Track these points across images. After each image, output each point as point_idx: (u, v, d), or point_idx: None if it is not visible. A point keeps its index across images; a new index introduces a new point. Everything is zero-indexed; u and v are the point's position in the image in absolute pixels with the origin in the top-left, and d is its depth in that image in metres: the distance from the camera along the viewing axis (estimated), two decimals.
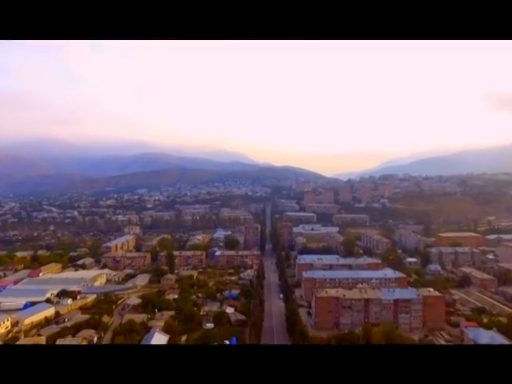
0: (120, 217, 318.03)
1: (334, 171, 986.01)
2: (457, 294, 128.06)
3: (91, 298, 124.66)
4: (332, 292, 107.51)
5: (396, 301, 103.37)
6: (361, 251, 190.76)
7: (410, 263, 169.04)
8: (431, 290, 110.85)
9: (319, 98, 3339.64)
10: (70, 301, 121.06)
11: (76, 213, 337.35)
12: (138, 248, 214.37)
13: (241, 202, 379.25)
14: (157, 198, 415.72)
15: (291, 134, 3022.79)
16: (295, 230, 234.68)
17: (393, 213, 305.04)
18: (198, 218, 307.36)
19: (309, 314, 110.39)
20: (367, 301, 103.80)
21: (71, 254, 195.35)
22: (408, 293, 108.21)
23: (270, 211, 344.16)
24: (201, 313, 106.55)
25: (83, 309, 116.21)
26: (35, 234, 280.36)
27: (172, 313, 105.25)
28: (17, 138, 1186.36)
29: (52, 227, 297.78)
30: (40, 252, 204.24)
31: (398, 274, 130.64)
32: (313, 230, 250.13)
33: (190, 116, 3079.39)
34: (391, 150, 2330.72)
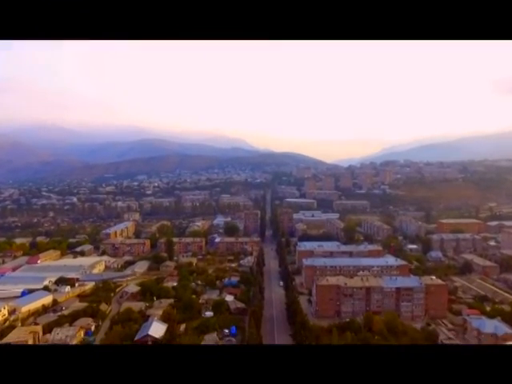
0: (119, 203, 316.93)
1: (335, 157, 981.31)
2: (458, 281, 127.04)
3: (89, 286, 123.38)
4: (333, 280, 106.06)
5: (398, 289, 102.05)
6: (361, 238, 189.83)
7: (410, 250, 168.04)
8: (433, 277, 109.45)
9: (320, 85, 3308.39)
10: (68, 288, 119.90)
11: (75, 199, 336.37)
12: (137, 234, 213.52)
13: (241, 188, 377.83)
14: (156, 184, 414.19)
15: (292, 120, 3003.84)
16: (295, 216, 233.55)
17: (393, 199, 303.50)
18: (197, 204, 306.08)
19: (309, 301, 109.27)
20: (369, 289, 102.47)
21: (70, 240, 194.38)
22: (410, 281, 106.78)
23: (270, 197, 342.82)
24: (200, 301, 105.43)
25: (81, 296, 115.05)
26: (34, 220, 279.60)
27: (171, 301, 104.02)
28: (17, 124, 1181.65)
29: (51, 214, 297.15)
30: (39, 238, 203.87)
31: (400, 262, 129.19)
32: (313, 216, 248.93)
33: (190, 103, 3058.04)
34: (392, 136, 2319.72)
